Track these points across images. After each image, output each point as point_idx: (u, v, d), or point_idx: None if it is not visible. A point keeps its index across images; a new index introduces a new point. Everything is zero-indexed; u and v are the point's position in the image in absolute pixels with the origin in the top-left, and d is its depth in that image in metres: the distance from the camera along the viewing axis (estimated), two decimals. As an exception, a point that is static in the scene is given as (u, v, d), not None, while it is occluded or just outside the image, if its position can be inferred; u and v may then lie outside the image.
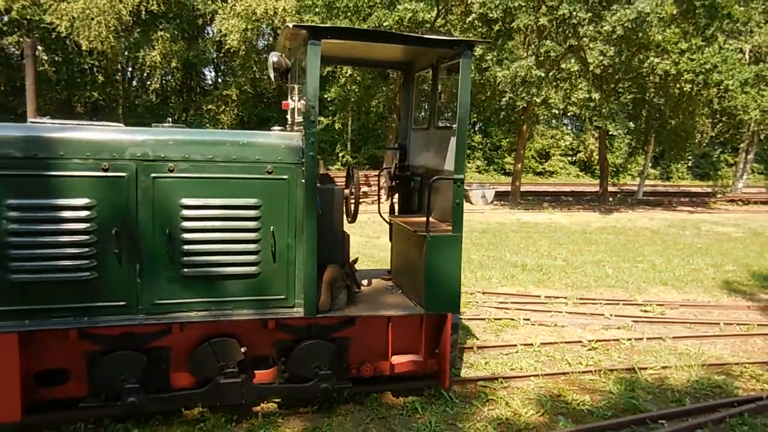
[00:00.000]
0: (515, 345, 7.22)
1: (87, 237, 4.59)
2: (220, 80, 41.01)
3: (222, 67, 41.09)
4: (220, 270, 4.91)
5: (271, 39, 35.40)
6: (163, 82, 36.62)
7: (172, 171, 4.74)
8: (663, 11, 22.49)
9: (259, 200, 4.93)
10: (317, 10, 22.34)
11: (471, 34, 22.04)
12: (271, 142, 5.00)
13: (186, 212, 4.78)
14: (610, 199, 29.71)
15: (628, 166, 45.11)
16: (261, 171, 4.93)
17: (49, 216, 4.53)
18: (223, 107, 37.19)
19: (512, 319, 8.23)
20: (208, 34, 38.30)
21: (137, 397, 4.77)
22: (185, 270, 4.82)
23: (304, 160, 4.89)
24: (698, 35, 25.39)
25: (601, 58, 21.43)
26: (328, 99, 27.41)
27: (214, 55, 39.31)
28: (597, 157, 47.22)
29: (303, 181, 4.93)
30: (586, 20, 21.04)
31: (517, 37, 23.37)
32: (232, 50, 32.23)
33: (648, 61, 23.27)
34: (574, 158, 49.43)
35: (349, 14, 21.67)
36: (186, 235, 4.80)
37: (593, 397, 5.94)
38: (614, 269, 12.11)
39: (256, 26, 31.70)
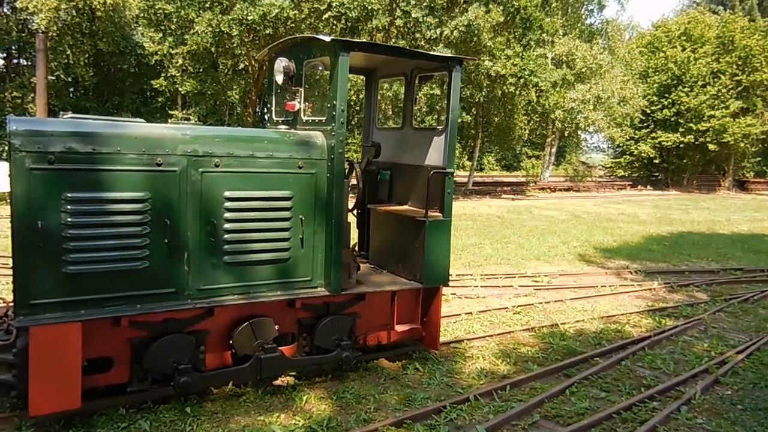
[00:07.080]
0: (459, 314, 8.38)
1: (141, 228, 4.79)
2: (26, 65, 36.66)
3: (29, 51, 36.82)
4: (257, 256, 5.36)
5: (89, 21, 32.06)
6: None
7: (218, 166, 5.10)
8: (492, 19, 25.32)
9: (291, 192, 5.47)
10: (171, -3, 21.62)
11: (329, 30, 22.83)
12: (300, 140, 5.55)
13: (228, 204, 5.17)
14: (446, 189, 32.41)
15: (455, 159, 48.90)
16: (293, 166, 5.47)
17: (106, 209, 4.66)
18: (32, 95, 33.46)
19: (442, 294, 9.36)
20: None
21: (189, 377, 5.08)
22: (226, 257, 5.21)
23: (332, 156, 5.53)
24: (518, 43, 28.93)
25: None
26: (182, 92, 26.44)
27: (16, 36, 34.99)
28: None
29: (328, 175, 5.57)
30: (433, 25, 23.18)
31: (364, 36, 24.64)
32: (40, 31, 29.00)
33: (483, 64, 26.01)
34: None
35: (207, 5, 21.27)
36: (228, 225, 5.18)
37: (540, 347, 7.30)
38: (492, 249, 13.90)
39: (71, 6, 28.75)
